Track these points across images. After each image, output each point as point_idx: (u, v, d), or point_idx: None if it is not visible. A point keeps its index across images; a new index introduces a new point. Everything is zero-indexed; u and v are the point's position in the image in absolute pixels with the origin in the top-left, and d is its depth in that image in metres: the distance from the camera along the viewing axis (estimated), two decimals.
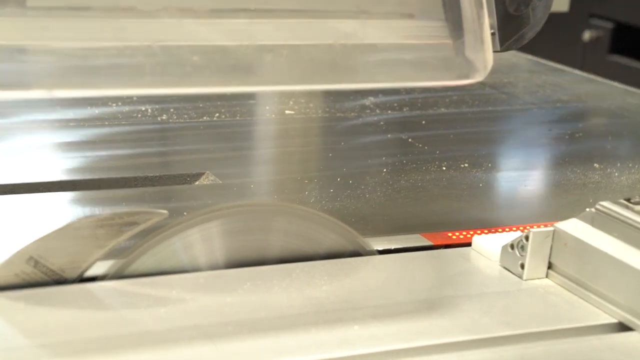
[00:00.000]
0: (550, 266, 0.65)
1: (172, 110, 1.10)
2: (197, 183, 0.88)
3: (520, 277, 0.65)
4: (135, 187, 0.84)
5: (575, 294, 0.63)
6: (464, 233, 0.76)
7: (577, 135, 1.16)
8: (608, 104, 1.33)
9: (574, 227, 0.64)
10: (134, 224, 0.61)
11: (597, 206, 0.63)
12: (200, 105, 1.11)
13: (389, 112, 1.17)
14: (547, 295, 0.63)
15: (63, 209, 0.79)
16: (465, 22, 0.62)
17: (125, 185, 0.85)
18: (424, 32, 0.64)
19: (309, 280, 0.61)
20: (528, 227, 0.73)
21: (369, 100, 1.20)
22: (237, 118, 1.09)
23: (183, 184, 0.87)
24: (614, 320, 0.60)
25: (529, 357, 0.55)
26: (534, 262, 0.65)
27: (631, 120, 1.24)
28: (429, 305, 0.60)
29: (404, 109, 1.19)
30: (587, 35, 2.43)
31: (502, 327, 0.58)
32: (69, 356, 0.51)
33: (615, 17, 2.39)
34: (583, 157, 1.04)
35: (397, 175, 0.92)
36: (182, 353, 0.51)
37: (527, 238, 0.65)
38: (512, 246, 0.66)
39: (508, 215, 0.86)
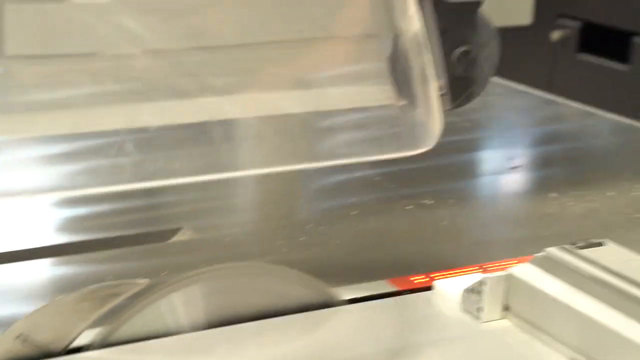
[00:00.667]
0: (506, 308, 0.70)
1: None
2: (174, 239, 0.92)
3: (478, 319, 0.70)
4: (115, 248, 0.88)
5: (529, 335, 0.67)
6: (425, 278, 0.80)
7: (536, 162, 1.21)
8: (567, 127, 1.38)
9: (527, 271, 0.69)
10: (116, 295, 0.65)
11: (545, 252, 0.68)
12: None
13: None
14: (502, 337, 0.68)
15: (44, 276, 0.82)
16: (414, 89, 0.66)
17: (105, 246, 0.89)
18: (370, 97, 0.69)
19: (280, 337, 0.65)
20: (487, 267, 0.79)
21: None
22: None
23: (161, 240, 0.91)
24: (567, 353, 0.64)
25: None
26: (491, 305, 0.69)
27: (585, 144, 1.29)
28: (394, 354, 0.64)
29: None
30: (555, 35, 2.47)
31: None
32: None
33: (583, 16, 2.44)
34: (542, 186, 1.09)
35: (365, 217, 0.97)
36: None
37: (483, 283, 0.69)
38: (470, 290, 0.71)
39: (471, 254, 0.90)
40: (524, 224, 0.98)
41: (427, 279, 0.79)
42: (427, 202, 1.02)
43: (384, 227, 0.94)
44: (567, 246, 0.68)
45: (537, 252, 0.72)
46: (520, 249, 0.84)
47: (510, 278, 0.69)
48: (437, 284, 0.74)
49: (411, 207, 1.00)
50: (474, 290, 0.69)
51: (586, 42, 2.51)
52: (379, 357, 0.63)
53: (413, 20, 0.68)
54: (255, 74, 0.69)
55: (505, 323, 0.69)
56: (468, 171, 1.20)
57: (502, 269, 0.76)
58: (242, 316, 0.69)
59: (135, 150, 0.57)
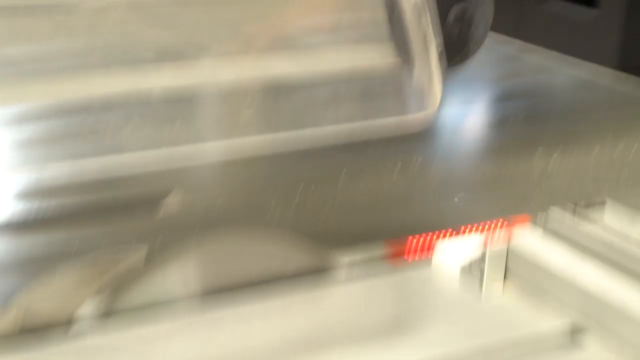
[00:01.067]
0: (506, 278, 0.72)
1: None
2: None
3: (480, 286, 0.72)
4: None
5: (530, 304, 0.69)
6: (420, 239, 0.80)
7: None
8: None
9: (526, 242, 0.71)
10: (116, 261, 0.64)
11: (546, 213, 0.69)
12: None
13: None
14: (505, 308, 0.70)
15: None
16: (413, 49, 0.65)
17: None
18: (370, 56, 0.68)
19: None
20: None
21: None
22: None
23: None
24: (568, 321, 0.66)
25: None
26: (490, 278, 0.72)
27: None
28: (401, 329, 0.65)
29: None
30: None
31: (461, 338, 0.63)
32: None
33: None
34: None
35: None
36: None
37: (482, 259, 0.71)
38: (469, 264, 0.72)
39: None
40: None
41: (423, 241, 0.79)
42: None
43: None
44: (568, 206, 0.68)
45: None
46: None
47: (510, 250, 0.70)
48: (435, 258, 0.75)
49: None
50: (474, 264, 0.69)
51: None
52: (383, 333, 0.63)
53: None
54: (245, 32, 0.67)
55: (505, 295, 0.71)
56: None
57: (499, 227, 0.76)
58: (241, 281, 0.69)
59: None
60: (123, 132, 0.60)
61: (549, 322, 0.64)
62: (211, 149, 0.61)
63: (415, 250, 0.77)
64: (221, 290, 0.67)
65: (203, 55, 0.61)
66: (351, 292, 0.69)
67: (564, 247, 0.66)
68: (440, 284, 0.70)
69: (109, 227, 0.81)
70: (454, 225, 0.81)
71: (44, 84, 0.58)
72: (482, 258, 0.68)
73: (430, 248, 0.78)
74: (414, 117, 0.59)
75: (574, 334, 0.63)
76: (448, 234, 0.79)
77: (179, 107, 0.64)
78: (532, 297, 0.66)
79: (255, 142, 0.61)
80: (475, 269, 0.68)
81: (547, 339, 0.63)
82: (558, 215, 0.68)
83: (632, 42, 2.10)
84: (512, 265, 0.67)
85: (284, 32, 0.67)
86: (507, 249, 0.68)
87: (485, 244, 0.72)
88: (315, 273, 0.70)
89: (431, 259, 0.74)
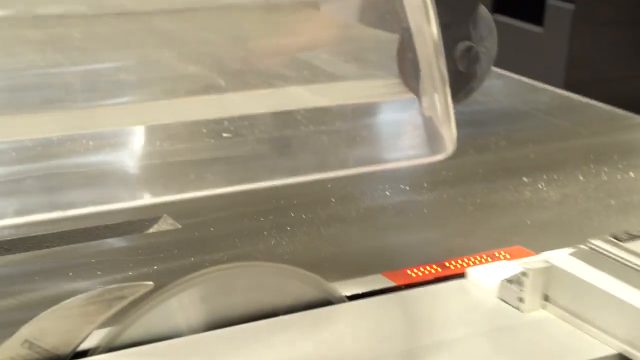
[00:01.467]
0: (546, 299, 0.71)
1: None
2: (155, 227, 0.90)
3: (519, 309, 0.70)
4: (97, 239, 0.86)
5: (572, 326, 0.68)
6: (422, 270, 0.80)
7: (500, 143, 1.23)
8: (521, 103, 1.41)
9: (569, 263, 0.70)
10: (122, 297, 0.63)
11: (588, 244, 0.70)
12: None
13: None
14: (547, 328, 0.69)
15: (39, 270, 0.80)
16: (425, 88, 0.65)
17: (88, 236, 0.86)
18: (382, 91, 0.68)
19: (290, 336, 0.65)
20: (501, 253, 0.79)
21: None
22: None
23: (142, 230, 0.89)
24: (614, 352, 0.66)
25: None
26: (532, 295, 0.71)
27: (545, 122, 1.31)
28: (444, 346, 0.65)
29: None
30: None
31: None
32: None
33: None
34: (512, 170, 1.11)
35: None
36: None
37: (525, 274, 0.70)
38: (510, 281, 0.71)
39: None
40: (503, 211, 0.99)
41: (423, 273, 0.80)
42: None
43: None
44: (609, 238, 0.69)
45: None
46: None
47: (552, 269, 0.70)
48: (470, 271, 0.74)
49: None
50: (515, 281, 0.69)
51: (501, 3, 2.51)
52: (423, 350, 0.64)
53: (419, 14, 0.67)
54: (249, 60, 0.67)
55: (545, 314, 0.70)
56: None
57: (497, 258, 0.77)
58: (245, 316, 0.68)
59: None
60: None
61: (593, 347, 0.64)
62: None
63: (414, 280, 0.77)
64: (223, 326, 0.66)
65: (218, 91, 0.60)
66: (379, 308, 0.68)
67: (608, 274, 0.66)
68: (477, 297, 0.70)
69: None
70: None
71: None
72: (525, 274, 0.68)
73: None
74: (431, 160, 0.59)
75: None
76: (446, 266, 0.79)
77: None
78: (575, 316, 0.67)
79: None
80: (516, 284, 0.67)
81: None
82: (600, 245, 0.68)
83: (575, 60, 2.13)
84: (553, 287, 0.68)
85: (291, 63, 0.67)
86: (549, 268, 0.68)
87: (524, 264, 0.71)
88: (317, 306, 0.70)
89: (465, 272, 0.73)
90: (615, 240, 0.69)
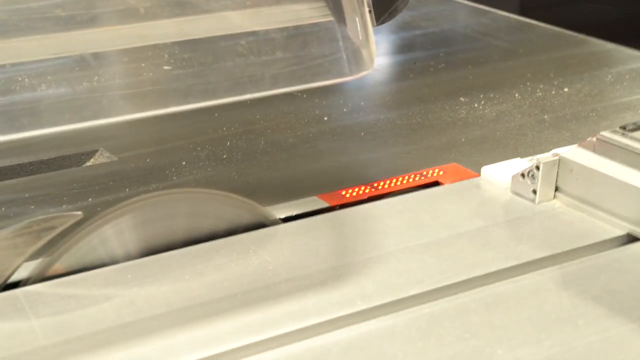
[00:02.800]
0: (557, 189, 0.75)
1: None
2: (92, 161, 0.89)
3: (533, 201, 0.75)
4: (32, 174, 0.85)
5: (583, 212, 0.73)
6: (357, 190, 0.81)
7: (440, 66, 1.24)
8: (463, 27, 1.41)
9: (578, 154, 0.74)
10: (51, 228, 0.63)
11: (598, 136, 0.73)
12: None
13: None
14: (560, 216, 0.73)
15: None
16: (346, 8, 0.65)
17: (22, 172, 0.86)
18: (304, 15, 0.67)
19: (228, 257, 0.65)
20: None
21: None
22: None
23: (79, 164, 0.88)
24: (623, 232, 0.70)
25: (570, 276, 0.64)
26: (544, 187, 0.74)
27: (485, 44, 1.32)
28: (465, 236, 0.69)
29: None
30: None
31: (537, 251, 0.67)
32: None
33: None
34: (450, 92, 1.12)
35: None
36: (121, 355, 0.55)
37: (537, 167, 0.74)
38: (522, 175, 0.75)
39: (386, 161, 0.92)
40: (440, 130, 1.00)
41: (357, 194, 0.80)
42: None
43: None
44: (617, 129, 0.72)
45: None
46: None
47: (562, 161, 0.74)
48: (484, 170, 0.79)
49: None
50: (528, 175, 0.73)
51: None
52: (452, 239, 0.68)
53: None
54: None
55: (557, 203, 0.74)
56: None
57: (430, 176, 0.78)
58: (176, 242, 0.69)
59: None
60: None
61: (604, 230, 0.68)
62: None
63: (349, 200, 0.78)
64: (157, 252, 0.67)
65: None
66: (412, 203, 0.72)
67: (616, 162, 0.70)
68: (492, 193, 0.74)
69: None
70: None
71: None
72: (537, 168, 0.72)
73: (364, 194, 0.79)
74: (350, 78, 0.59)
75: (631, 240, 0.67)
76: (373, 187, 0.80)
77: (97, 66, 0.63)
78: (586, 204, 0.71)
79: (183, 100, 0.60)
80: (529, 179, 0.69)
81: (603, 245, 0.67)
82: (607, 136, 0.72)
83: None
84: (564, 177, 0.72)
85: None
86: (559, 161, 0.72)
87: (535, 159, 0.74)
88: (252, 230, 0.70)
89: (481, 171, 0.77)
90: (622, 131, 0.73)
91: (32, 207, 0.78)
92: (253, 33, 0.65)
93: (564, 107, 1.05)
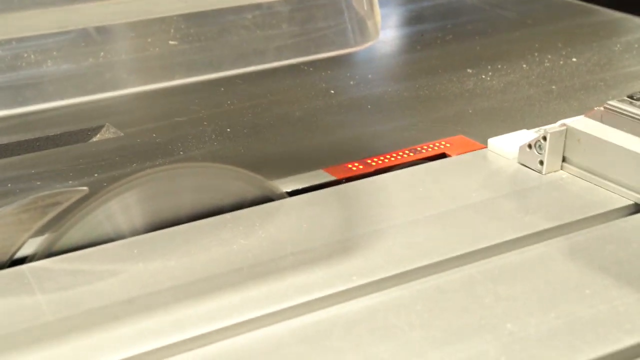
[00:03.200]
0: (564, 159, 0.75)
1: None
2: (98, 136, 0.89)
3: (540, 172, 0.75)
4: (38, 150, 0.85)
5: (590, 182, 0.72)
6: (363, 163, 0.81)
7: (447, 38, 1.23)
8: None
9: (585, 124, 0.73)
10: (57, 204, 0.63)
11: (605, 105, 0.73)
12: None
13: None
14: (567, 186, 0.73)
15: None
16: None
17: (28, 148, 0.86)
18: None
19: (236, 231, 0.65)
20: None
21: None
22: None
23: (85, 139, 0.88)
24: (630, 202, 0.70)
25: (577, 246, 0.64)
26: (552, 158, 0.74)
27: (493, 14, 1.31)
28: (473, 208, 0.69)
29: None
30: None
31: (544, 222, 0.67)
32: (17, 347, 0.54)
33: None
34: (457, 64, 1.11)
35: None
36: (127, 330, 0.55)
37: (544, 138, 0.73)
38: (529, 146, 0.75)
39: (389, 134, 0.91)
40: (448, 101, 1.00)
41: (364, 166, 0.80)
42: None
43: None
44: (624, 98, 0.72)
45: None
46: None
47: (569, 131, 0.73)
48: (491, 141, 0.78)
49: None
50: (535, 145, 0.73)
51: None
52: (458, 211, 0.69)
53: None
54: None
55: (565, 174, 0.74)
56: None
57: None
58: (189, 216, 0.69)
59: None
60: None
61: (612, 199, 0.68)
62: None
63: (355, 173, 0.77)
64: (164, 226, 0.67)
65: None
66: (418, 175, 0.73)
67: (624, 131, 0.70)
68: (499, 164, 0.74)
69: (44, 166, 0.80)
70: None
71: None
72: (544, 138, 0.72)
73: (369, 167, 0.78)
74: (355, 49, 0.58)
75: (638, 209, 0.67)
76: (385, 158, 0.80)
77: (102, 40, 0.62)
78: (593, 174, 0.71)
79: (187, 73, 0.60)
80: (535, 149, 0.69)
81: (610, 215, 0.67)
82: (614, 105, 0.71)
83: None
84: (571, 147, 0.71)
85: None
86: (566, 131, 0.71)
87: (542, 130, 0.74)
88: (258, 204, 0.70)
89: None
90: (630, 100, 0.72)
91: (38, 183, 0.78)
92: (258, 6, 0.65)
93: (572, 77, 1.04)
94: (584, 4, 1.34)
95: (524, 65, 1.08)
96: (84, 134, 0.89)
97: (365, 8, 0.62)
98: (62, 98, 0.52)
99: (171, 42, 0.70)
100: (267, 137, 0.89)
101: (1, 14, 0.60)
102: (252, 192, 0.71)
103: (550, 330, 0.54)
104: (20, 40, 0.61)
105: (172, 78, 0.55)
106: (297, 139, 0.89)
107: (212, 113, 0.95)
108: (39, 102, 0.52)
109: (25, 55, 0.64)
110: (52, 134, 0.87)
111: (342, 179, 0.78)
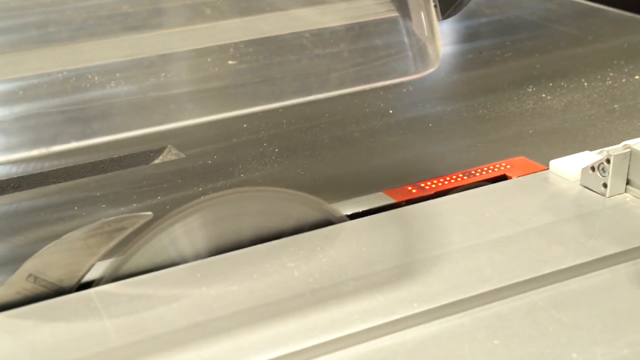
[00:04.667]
0: (627, 182, 0.74)
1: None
2: (160, 158, 0.91)
3: (603, 195, 0.74)
4: (103, 173, 0.87)
5: None
6: (423, 185, 0.81)
7: (506, 55, 1.22)
8: (529, 13, 1.39)
9: None
10: (122, 229, 0.65)
11: None
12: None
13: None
14: (631, 210, 0.72)
15: (45, 205, 0.81)
16: (412, 4, 0.65)
17: (93, 170, 0.87)
18: (370, 11, 0.67)
19: (295, 255, 0.66)
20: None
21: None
22: None
23: (148, 161, 0.90)
24: None
25: None
26: (615, 180, 0.73)
27: (553, 31, 1.30)
28: (539, 233, 0.68)
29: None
30: None
31: (610, 246, 0.66)
32: None
33: None
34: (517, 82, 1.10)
35: None
36: (191, 356, 0.56)
37: (608, 160, 0.73)
38: (592, 168, 0.74)
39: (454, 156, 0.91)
40: (508, 121, 0.99)
41: (424, 189, 0.80)
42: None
43: None
44: None
45: None
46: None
47: (634, 154, 0.72)
48: (553, 163, 0.78)
49: None
50: (598, 168, 0.73)
51: None
52: (520, 235, 0.68)
53: None
54: None
55: (628, 197, 0.73)
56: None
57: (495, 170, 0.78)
58: (250, 241, 0.69)
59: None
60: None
61: None
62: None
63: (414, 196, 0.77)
64: (227, 251, 0.68)
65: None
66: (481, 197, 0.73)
67: None
68: (561, 186, 0.74)
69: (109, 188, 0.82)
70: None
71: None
72: (607, 161, 0.71)
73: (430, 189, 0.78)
74: (415, 77, 0.59)
75: None
76: (439, 181, 0.80)
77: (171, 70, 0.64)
78: None
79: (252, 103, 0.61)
80: (599, 172, 0.69)
81: None
82: None
83: None
84: (635, 170, 0.71)
85: None
86: (630, 153, 0.71)
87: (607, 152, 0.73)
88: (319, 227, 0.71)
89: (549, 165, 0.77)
90: None
91: (104, 205, 0.79)
92: (319, 34, 0.65)
93: (635, 96, 1.02)
94: None
95: (585, 83, 1.07)
96: (147, 156, 0.90)
97: (427, 34, 0.62)
98: (128, 130, 0.53)
99: (230, 62, 0.71)
100: (327, 158, 0.89)
101: (71, 43, 0.61)
102: (312, 215, 0.72)
103: None
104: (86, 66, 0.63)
105: (235, 109, 0.56)
106: (355, 160, 0.89)
107: (271, 134, 0.95)
108: (105, 134, 0.53)
109: (89, 76, 0.66)
110: (116, 155, 0.89)
111: (402, 201, 0.78)
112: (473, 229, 0.69)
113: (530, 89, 1.06)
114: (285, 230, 0.71)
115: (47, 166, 0.87)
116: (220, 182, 0.84)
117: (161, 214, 0.66)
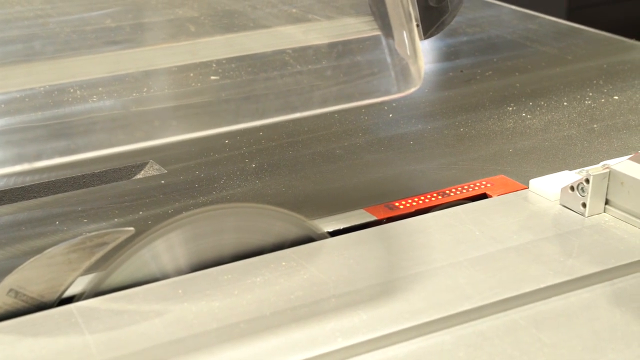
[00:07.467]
0: (606, 202, 0.75)
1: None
2: (142, 173, 0.91)
3: (582, 214, 0.74)
4: (85, 187, 0.87)
5: (634, 226, 0.72)
6: (404, 203, 0.81)
7: (487, 74, 1.23)
8: (509, 32, 1.40)
9: (629, 167, 0.73)
10: (104, 244, 0.65)
11: None
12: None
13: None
14: (610, 230, 0.72)
15: (26, 219, 0.81)
16: (394, 23, 0.66)
17: (75, 185, 0.87)
18: (353, 29, 0.68)
19: (273, 273, 0.66)
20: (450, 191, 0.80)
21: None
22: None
23: (130, 176, 0.90)
24: None
25: (622, 292, 0.64)
26: (594, 200, 0.74)
27: (533, 50, 1.31)
28: (519, 252, 0.69)
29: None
30: None
31: (588, 266, 0.67)
32: None
33: None
34: (497, 100, 1.11)
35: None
36: None
37: (587, 180, 0.73)
38: (572, 188, 0.75)
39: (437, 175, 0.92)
40: (489, 140, 1.00)
41: (404, 206, 0.80)
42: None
43: None
44: None
45: None
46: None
47: (612, 174, 0.73)
48: (532, 182, 0.79)
49: None
50: (578, 188, 0.73)
51: None
52: (500, 254, 0.68)
53: None
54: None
55: (607, 217, 0.74)
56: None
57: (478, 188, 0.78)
58: (231, 257, 0.69)
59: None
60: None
61: None
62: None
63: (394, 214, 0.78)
64: (208, 267, 0.68)
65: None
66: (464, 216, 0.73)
67: None
68: (540, 205, 0.74)
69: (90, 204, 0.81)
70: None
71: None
72: (587, 181, 0.71)
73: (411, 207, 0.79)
74: (399, 96, 0.59)
75: None
76: (415, 200, 0.80)
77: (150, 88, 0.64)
78: (636, 220, 0.70)
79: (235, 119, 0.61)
80: (578, 192, 0.69)
81: None
82: None
83: None
84: (614, 190, 0.71)
85: (261, 5, 0.67)
86: (609, 173, 0.71)
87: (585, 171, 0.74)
88: (300, 244, 0.71)
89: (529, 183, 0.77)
90: None
91: (85, 220, 0.79)
92: (303, 53, 0.66)
93: (614, 116, 1.04)
94: (626, 39, 1.34)
95: (565, 103, 1.08)
96: (129, 171, 0.90)
97: (409, 53, 0.63)
98: (112, 146, 0.53)
99: (212, 77, 0.71)
100: (308, 174, 0.90)
101: (55, 58, 0.62)
102: (293, 232, 0.72)
103: None
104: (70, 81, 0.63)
105: (218, 126, 0.57)
106: (337, 177, 0.90)
107: (253, 150, 0.96)
108: (89, 150, 0.53)
109: (71, 90, 0.66)
110: (98, 170, 0.89)
111: (383, 218, 0.78)
112: (454, 247, 0.69)
113: (510, 108, 1.07)
114: (266, 247, 0.71)
115: (28, 180, 0.86)
116: (202, 198, 0.84)
117: (143, 229, 0.66)
